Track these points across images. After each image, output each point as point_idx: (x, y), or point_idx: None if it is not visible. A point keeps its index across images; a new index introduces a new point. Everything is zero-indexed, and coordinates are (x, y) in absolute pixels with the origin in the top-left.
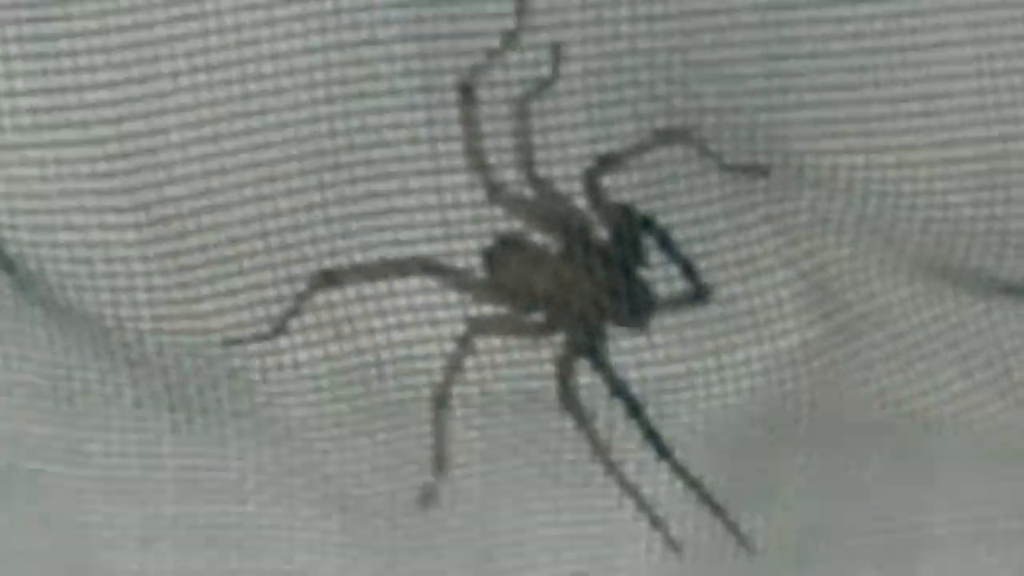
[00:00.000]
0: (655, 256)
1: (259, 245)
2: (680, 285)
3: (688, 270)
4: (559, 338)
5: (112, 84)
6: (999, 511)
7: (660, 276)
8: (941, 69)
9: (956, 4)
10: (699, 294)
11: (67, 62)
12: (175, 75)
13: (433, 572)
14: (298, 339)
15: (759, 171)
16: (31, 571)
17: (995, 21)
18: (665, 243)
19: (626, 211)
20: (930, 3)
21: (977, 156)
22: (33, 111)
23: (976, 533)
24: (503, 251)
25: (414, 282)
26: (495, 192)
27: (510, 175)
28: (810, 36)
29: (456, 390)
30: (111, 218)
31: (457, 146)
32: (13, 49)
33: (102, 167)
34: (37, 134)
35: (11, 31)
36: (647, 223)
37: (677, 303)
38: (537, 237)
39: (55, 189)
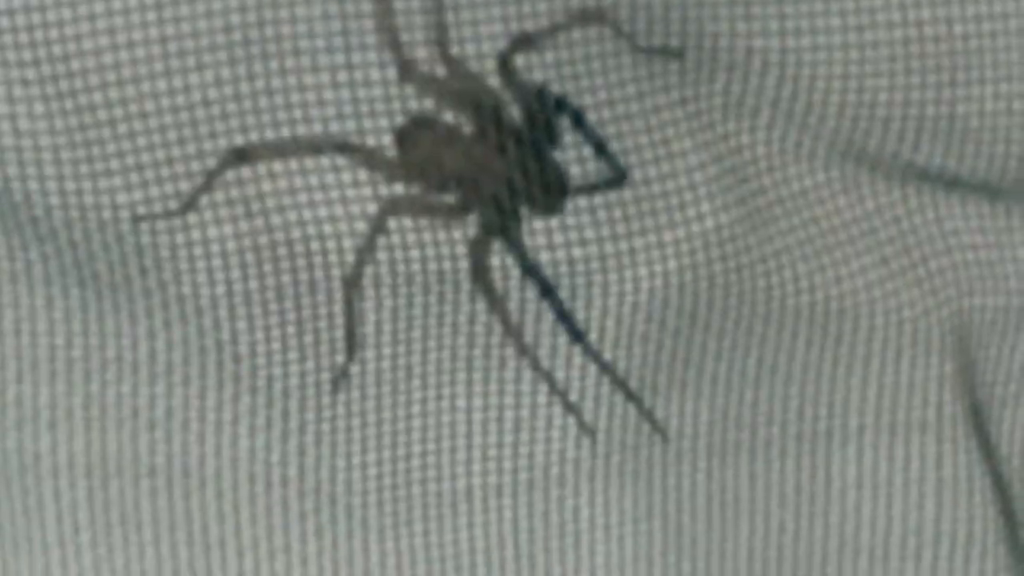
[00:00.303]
0: (571, 138)
1: (168, 120)
2: (595, 167)
3: (603, 152)
4: (472, 219)
5: None
6: (913, 400)
7: (575, 158)
8: None
9: None
10: (615, 177)
11: None
12: None
13: (343, 455)
14: (208, 216)
15: (673, 53)
16: None
17: None
18: (580, 124)
19: (540, 92)
20: None
21: (893, 40)
22: None
23: (891, 423)
24: (415, 130)
25: (325, 161)
26: (407, 70)
27: (422, 53)
28: None
29: (367, 270)
30: (18, 91)
31: (368, 23)
32: None
33: (8, 40)
34: None
35: None
36: (561, 104)
37: (593, 186)
38: (449, 117)
39: None
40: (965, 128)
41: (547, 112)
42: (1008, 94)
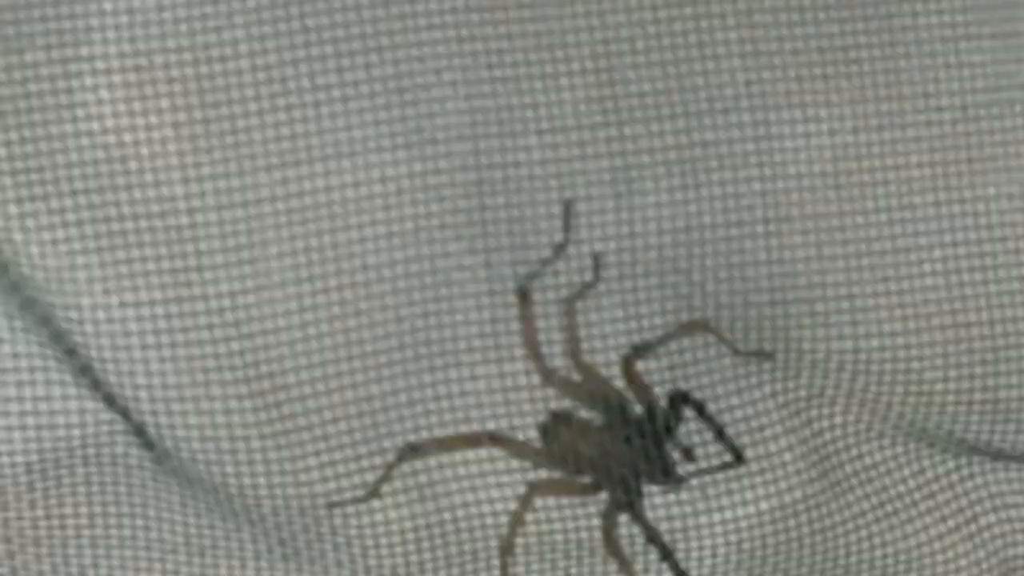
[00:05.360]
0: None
1: (355, 423)
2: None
3: (722, 437)
4: (603, 496)
5: (232, 294)
6: None
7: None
8: (913, 271)
9: (923, 217)
10: (733, 459)
11: (195, 276)
12: (283, 285)
13: None
14: (388, 501)
15: (765, 356)
16: None
17: (952, 227)
18: (702, 414)
19: (672, 393)
20: (900, 222)
21: (946, 340)
22: (168, 317)
23: None
24: (555, 425)
25: (483, 452)
26: (548, 376)
27: (560, 362)
28: (805, 243)
29: (519, 540)
30: (233, 404)
31: (516, 338)
32: (151, 266)
33: (225, 363)
34: (171, 336)
35: (148, 251)
36: (686, 397)
37: (715, 468)
38: (584, 413)
39: (187, 381)
40: (1007, 409)
41: (671, 410)
42: None
